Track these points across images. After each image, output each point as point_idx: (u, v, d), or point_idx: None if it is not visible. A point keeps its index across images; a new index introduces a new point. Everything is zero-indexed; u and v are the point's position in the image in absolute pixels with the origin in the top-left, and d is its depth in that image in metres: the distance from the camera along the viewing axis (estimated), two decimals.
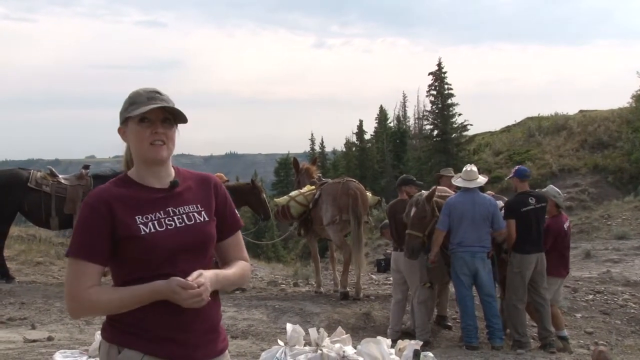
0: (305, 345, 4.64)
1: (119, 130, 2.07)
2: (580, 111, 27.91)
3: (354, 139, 39.30)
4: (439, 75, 30.43)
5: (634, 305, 8.12)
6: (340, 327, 5.19)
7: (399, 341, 4.90)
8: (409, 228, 6.49)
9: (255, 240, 15.20)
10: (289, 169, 37.53)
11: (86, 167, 9.21)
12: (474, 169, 6.63)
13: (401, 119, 39.80)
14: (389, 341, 4.79)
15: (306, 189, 8.88)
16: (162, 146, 2.01)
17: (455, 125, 29.94)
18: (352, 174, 23.60)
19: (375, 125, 39.17)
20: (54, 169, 9.07)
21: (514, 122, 29.43)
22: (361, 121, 39.24)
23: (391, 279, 7.57)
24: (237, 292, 8.45)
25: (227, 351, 2.14)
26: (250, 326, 6.98)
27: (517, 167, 6.92)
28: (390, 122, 39.03)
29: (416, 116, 36.73)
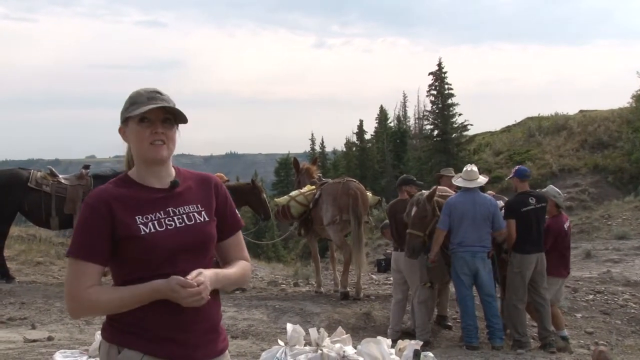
0: (305, 345, 4.64)
1: (120, 130, 2.07)
2: (581, 111, 27.91)
3: (354, 139, 39.32)
4: (439, 75, 30.44)
5: (634, 305, 8.12)
6: (340, 327, 5.19)
7: (399, 341, 4.90)
8: (410, 227, 6.50)
9: (256, 240, 15.20)
10: (289, 169, 37.54)
11: (86, 167, 9.21)
12: (475, 169, 6.64)
13: (401, 118, 39.82)
14: (389, 341, 4.79)
15: (306, 189, 8.88)
16: (162, 146, 2.01)
17: (456, 125, 29.94)
18: (352, 174, 23.61)
19: (376, 125, 39.19)
20: (54, 169, 9.07)
21: (514, 122, 29.43)
22: (361, 121, 39.29)
23: (391, 279, 7.57)
24: (238, 292, 8.45)
25: (227, 351, 2.14)
26: (250, 326, 6.98)
27: (517, 167, 6.92)
28: (390, 122, 39.04)
29: (416, 116, 36.75)
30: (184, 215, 2.02)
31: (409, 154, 33.88)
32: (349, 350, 4.57)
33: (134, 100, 2.01)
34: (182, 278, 1.87)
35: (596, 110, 26.72)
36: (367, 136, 38.96)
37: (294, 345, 4.56)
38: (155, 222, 1.97)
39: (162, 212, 2.00)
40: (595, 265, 11.06)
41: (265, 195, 9.49)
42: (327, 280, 9.44)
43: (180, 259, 1.94)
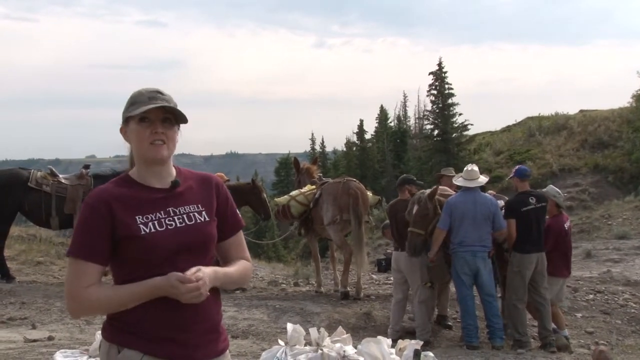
0: (305, 345, 4.64)
1: (121, 130, 2.07)
2: (581, 111, 27.92)
3: (354, 138, 39.33)
4: (439, 75, 30.45)
5: (634, 305, 8.12)
6: (340, 326, 5.19)
7: (400, 341, 4.90)
8: (411, 226, 6.50)
9: (256, 240, 15.20)
10: (289, 169, 37.54)
11: (86, 166, 9.20)
12: (475, 168, 6.64)
13: (402, 118, 39.82)
14: (389, 341, 4.79)
15: (307, 188, 8.88)
16: (162, 146, 2.01)
17: (456, 125, 29.95)
18: (352, 174, 23.60)
19: (376, 125, 39.19)
20: (54, 169, 9.07)
21: (515, 122, 29.46)
22: (362, 121, 39.29)
23: (392, 278, 7.57)
24: (238, 291, 8.45)
25: (227, 351, 2.14)
26: (250, 326, 6.98)
27: (517, 167, 6.92)
28: (390, 122, 39.04)
29: (417, 116, 36.78)
30: (185, 215, 2.02)
31: (409, 153, 33.90)
32: (349, 350, 4.57)
33: (135, 100, 2.01)
34: (180, 274, 1.88)
35: (596, 110, 26.73)
36: (368, 136, 39.00)
37: (295, 345, 4.56)
38: (156, 222, 1.97)
39: (162, 212, 2.00)
40: (595, 265, 11.06)
41: (265, 195, 9.48)
42: (328, 280, 9.44)
43: (180, 258, 1.94)
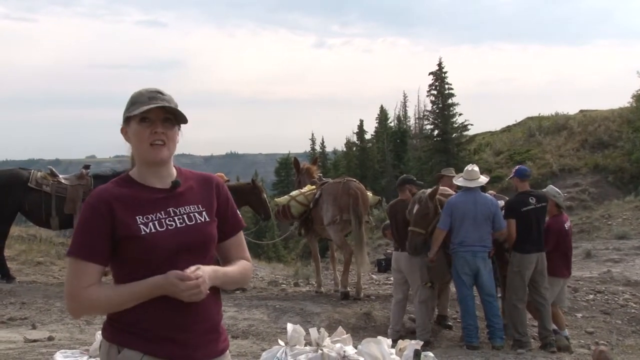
0: (305, 345, 4.64)
1: (122, 130, 2.07)
2: (581, 111, 27.92)
3: (354, 138, 39.34)
4: (439, 75, 30.44)
5: (634, 305, 8.12)
6: (340, 327, 5.19)
7: (400, 341, 4.91)
8: (412, 225, 6.50)
9: (256, 240, 15.20)
10: (289, 169, 37.55)
11: (86, 167, 9.20)
12: (476, 168, 6.64)
13: (402, 118, 39.81)
14: (389, 341, 4.79)
15: (307, 188, 8.88)
16: (162, 147, 2.01)
17: (456, 125, 29.94)
18: (352, 174, 23.61)
19: (376, 125, 39.20)
20: (54, 169, 9.07)
21: (515, 122, 29.46)
22: (362, 121, 39.30)
23: (392, 278, 7.57)
24: (238, 292, 8.45)
25: (228, 351, 2.14)
26: (250, 326, 6.98)
27: (517, 167, 6.93)
28: (390, 122, 39.03)
29: (417, 116, 36.76)
30: (185, 216, 2.03)
31: (409, 153, 33.89)
32: (350, 350, 4.57)
33: (135, 100, 2.01)
34: (180, 272, 1.88)
35: (596, 110, 26.73)
36: (368, 136, 39.01)
37: (295, 345, 4.56)
38: (156, 222, 1.97)
39: (162, 212, 2.00)
40: (595, 265, 11.06)
41: (265, 195, 9.48)
42: (328, 280, 9.44)
43: (180, 259, 1.94)
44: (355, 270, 8.36)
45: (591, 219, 15.46)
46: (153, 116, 1.99)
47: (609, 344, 6.70)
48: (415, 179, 7.60)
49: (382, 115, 38.77)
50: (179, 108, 2.04)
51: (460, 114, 30.16)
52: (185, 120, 2.06)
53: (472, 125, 30.24)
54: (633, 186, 18.84)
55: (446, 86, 30.43)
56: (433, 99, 30.79)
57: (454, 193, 6.78)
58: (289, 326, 4.71)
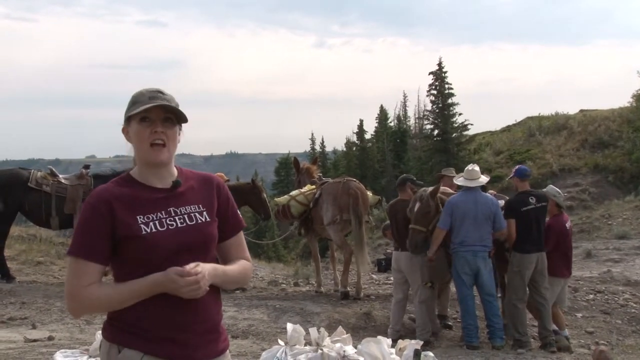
0: (305, 345, 4.64)
1: (123, 130, 2.08)
2: (581, 111, 27.91)
3: (354, 138, 39.34)
4: (439, 75, 30.44)
5: (634, 305, 8.12)
6: (340, 326, 5.19)
7: (400, 341, 4.91)
8: (413, 223, 6.51)
9: (256, 240, 15.20)
10: (289, 169, 37.57)
11: (86, 166, 9.20)
12: (476, 168, 6.64)
13: (402, 118, 39.82)
14: (389, 341, 4.79)
15: (307, 188, 8.88)
16: (162, 149, 2.01)
17: (456, 125, 29.95)
18: (352, 174, 23.60)
19: (376, 124, 39.21)
20: (54, 169, 9.07)
21: (515, 122, 29.45)
22: (361, 121, 39.31)
23: (392, 278, 7.57)
24: (238, 291, 8.45)
25: (228, 351, 2.14)
26: (250, 326, 6.98)
27: (517, 167, 6.92)
28: (390, 122, 39.04)
29: (417, 116, 36.78)
30: (186, 215, 2.03)
31: (409, 153, 33.90)
32: (349, 349, 4.57)
33: (136, 100, 2.02)
34: (179, 268, 1.88)
35: (596, 110, 26.72)
36: (368, 136, 39.02)
37: (294, 345, 4.56)
38: (157, 222, 1.97)
39: (163, 212, 2.00)
40: (595, 264, 11.06)
41: (265, 195, 9.48)
42: (328, 280, 9.44)
43: (181, 258, 1.94)
44: (355, 270, 8.36)
45: (591, 219, 15.46)
46: (153, 116, 1.99)
47: (609, 343, 6.70)
48: (415, 178, 7.60)
49: (382, 115, 38.78)
50: (180, 108, 2.04)
51: (460, 114, 30.20)
52: (185, 120, 2.06)
53: (472, 125, 30.28)
54: (633, 186, 18.84)
55: (446, 86, 30.44)
56: (433, 98, 30.80)
57: (455, 193, 6.78)
58: (289, 326, 4.71)
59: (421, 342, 4.91)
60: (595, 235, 14.05)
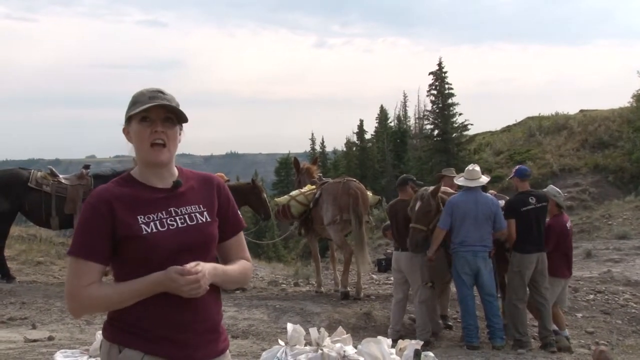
0: (305, 345, 4.64)
1: (124, 130, 2.08)
2: (581, 111, 27.91)
3: (354, 138, 39.36)
4: (439, 75, 30.44)
5: (634, 305, 8.12)
6: (340, 326, 5.20)
7: (400, 341, 4.91)
8: (413, 221, 6.51)
9: (256, 240, 15.20)
10: (289, 169, 37.55)
11: (87, 166, 9.20)
12: (477, 168, 6.64)
13: (402, 118, 39.82)
14: (389, 341, 4.79)
15: (307, 188, 8.87)
16: (163, 149, 2.01)
17: (456, 125, 29.95)
18: (352, 174, 23.60)
19: (376, 124, 39.22)
20: (54, 169, 9.07)
21: (515, 122, 29.45)
22: (362, 121, 39.32)
23: (392, 278, 7.57)
24: (238, 291, 8.45)
25: (227, 351, 2.14)
26: (250, 326, 6.97)
27: (517, 167, 6.93)
28: (390, 122, 39.05)
29: (417, 116, 36.77)
30: (186, 216, 2.03)
31: (409, 153, 33.90)
32: (350, 350, 4.57)
33: (137, 100, 2.02)
34: (179, 267, 1.88)
35: (597, 110, 26.72)
36: (368, 136, 39.03)
37: (295, 345, 4.56)
38: (157, 222, 1.97)
39: (164, 212, 2.00)
40: (595, 265, 11.05)
41: (265, 195, 9.48)
42: (328, 280, 9.43)
43: (181, 259, 1.94)
44: (355, 270, 8.36)
45: (591, 219, 15.46)
46: (153, 115, 1.99)
47: (609, 344, 6.70)
48: (414, 178, 7.60)
49: (382, 115, 38.78)
50: (180, 107, 2.04)
51: (460, 114, 30.20)
52: (186, 119, 2.06)
53: (472, 125, 30.29)
54: (633, 186, 18.85)
55: (446, 86, 30.44)
56: (433, 98, 30.80)
57: (456, 193, 6.78)
58: (289, 326, 4.71)
59: (421, 342, 4.91)
60: (596, 236, 14.05)
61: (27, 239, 11.56)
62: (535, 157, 22.17)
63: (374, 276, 10.16)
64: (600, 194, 18.65)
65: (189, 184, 2.11)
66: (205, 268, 1.93)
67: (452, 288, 7.37)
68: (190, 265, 1.89)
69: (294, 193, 8.95)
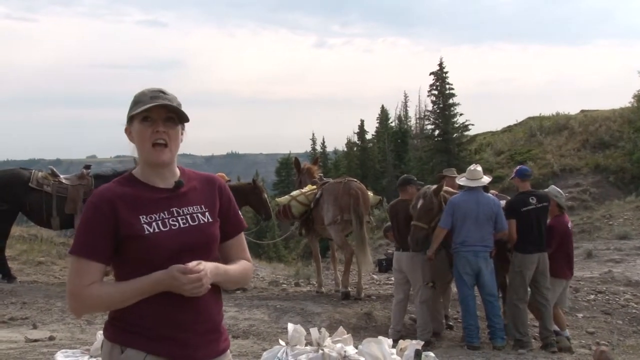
0: (306, 345, 4.64)
1: (126, 130, 2.08)
2: (582, 111, 27.92)
3: (355, 138, 39.41)
4: (440, 75, 30.46)
5: (635, 305, 8.12)
6: (341, 327, 5.19)
7: (401, 341, 4.90)
8: (415, 219, 6.51)
9: (257, 240, 15.20)
10: (290, 169, 37.55)
11: (87, 167, 9.21)
12: (479, 168, 6.64)
13: (402, 118, 39.88)
14: (390, 341, 4.79)
15: (307, 188, 8.87)
16: (164, 149, 2.01)
17: (457, 125, 29.98)
18: (353, 174, 23.62)
19: (377, 125, 39.27)
20: (55, 169, 9.07)
21: (516, 122, 29.46)
22: (362, 121, 39.37)
23: (392, 278, 7.56)
24: (239, 291, 8.45)
25: (228, 351, 2.14)
26: (251, 326, 6.97)
27: (518, 167, 6.93)
28: (391, 122, 39.10)
29: (417, 116, 36.85)
30: (188, 216, 2.03)
31: (410, 153, 33.93)
32: (350, 350, 4.57)
33: (138, 100, 2.02)
34: (182, 265, 1.88)
35: (597, 110, 26.72)
36: (368, 136, 39.09)
37: (295, 345, 4.56)
38: (159, 222, 1.97)
39: (166, 212, 2.00)
40: (596, 265, 11.05)
41: (266, 195, 9.48)
42: (328, 280, 9.43)
43: (183, 259, 1.94)
44: (356, 270, 8.36)
45: (592, 219, 15.46)
46: (155, 115, 2.00)
47: (610, 344, 6.70)
48: (415, 179, 7.60)
49: (383, 115, 38.83)
50: (182, 107, 2.04)
51: (461, 114, 30.23)
52: (187, 119, 2.06)
53: (472, 125, 30.32)
54: (634, 186, 18.85)
55: (447, 86, 30.45)
56: (434, 99, 30.84)
57: (458, 192, 6.78)
58: (290, 326, 4.71)
59: (422, 342, 4.91)
60: (596, 236, 14.05)
61: (28, 239, 11.57)
62: (536, 157, 22.17)
63: (375, 276, 10.16)
64: (601, 194, 18.65)
65: (191, 184, 2.11)
66: (207, 267, 1.93)
67: (453, 288, 7.37)
68: (193, 264, 1.90)
69: (294, 193, 8.95)
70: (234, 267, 2.12)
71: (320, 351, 4.47)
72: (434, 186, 6.72)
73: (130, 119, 2.03)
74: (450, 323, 7.30)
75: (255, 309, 7.59)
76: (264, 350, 5.06)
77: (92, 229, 1.94)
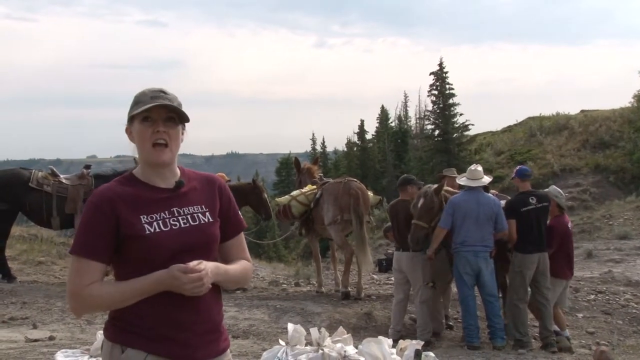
0: (306, 345, 4.64)
1: (126, 130, 2.08)
2: (582, 111, 27.92)
3: (355, 138, 39.43)
4: (440, 75, 30.47)
5: (635, 305, 8.12)
6: (341, 326, 5.19)
7: (401, 341, 4.90)
8: (416, 218, 6.51)
9: (257, 240, 15.20)
10: (290, 169, 37.57)
11: (87, 166, 9.21)
12: (479, 168, 6.64)
13: (402, 118, 39.89)
14: (390, 341, 4.79)
15: (307, 188, 8.87)
16: (165, 149, 2.01)
17: (457, 125, 29.98)
18: (353, 174, 23.61)
19: (377, 125, 39.29)
20: (55, 169, 9.07)
21: (516, 122, 29.46)
22: (362, 121, 39.39)
23: (392, 278, 7.56)
24: (238, 291, 8.45)
25: (228, 351, 2.14)
26: (251, 326, 6.98)
27: (518, 167, 6.93)
28: (391, 122, 39.12)
29: (417, 116, 36.84)
30: (189, 216, 2.03)
31: (410, 153, 33.93)
32: (350, 350, 4.57)
33: (139, 100, 2.02)
34: (182, 265, 1.88)
35: (597, 110, 26.72)
36: (368, 136, 39.12)
37: (295, 345, 4.56)
38: (160, 221, 1.97)
39: (166, 212, 2.00)
40: (596, 265, 11.05)
41: (266, 195, 9.48)
42: (328, 280, 9.43)
43: (183, 259, 1.94)
44: (356, 270, 8.36)
45: (592, 219, 15.46)
46: (155, 115, 2.00)
47: (610, 344, 6.70)
48: (415, 178, 7.60)
49: (383, 115, 38.84)
50: (182, 107, 2.04)
51: (461, 114, 30.23)
52: (187, 119, 2.06)
53: (472, 125, 30.32)
54: (634, 186, 18.85)
55: (447, 86, 30.46)
56: (434, 99, 30.84)
57: (458, 192, 6.78)
58: (290, 326, 4.71)
59: (422, 342, 4.91)
60: (596, 236, 14.05)
61: (28, 239, 11.57)
62: (536, 157, 22.18)
63: (375, 276, 10.16)
64: (601, 194, 18.65)
65: (191, 184, 2.11)
66: (207, 266, 1.93)
67: (453, 288, 7.37)
68: (193, 264, 1.90)
69: (294, 193, 8.95)
70: (234, 267, 2.13)
71: (320, 351, 4.47)
72: (435, 185, 6.72)
73: (131, 118, 2.03)
74: (450, 323, 7.30)
75: (255, 308, 7.59)
76: (264, 350, 5.05)
77: (92, 229, 1.94)
